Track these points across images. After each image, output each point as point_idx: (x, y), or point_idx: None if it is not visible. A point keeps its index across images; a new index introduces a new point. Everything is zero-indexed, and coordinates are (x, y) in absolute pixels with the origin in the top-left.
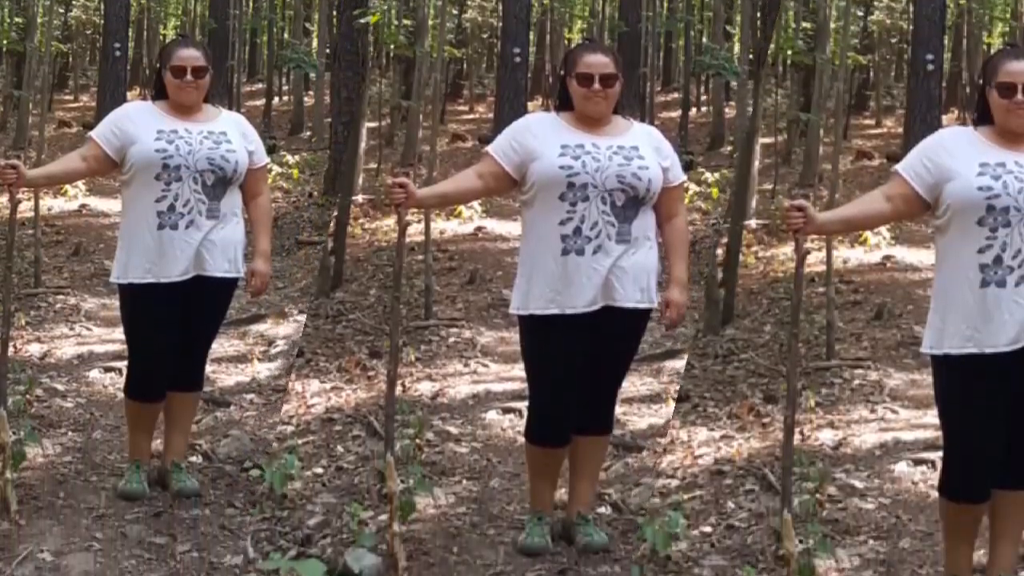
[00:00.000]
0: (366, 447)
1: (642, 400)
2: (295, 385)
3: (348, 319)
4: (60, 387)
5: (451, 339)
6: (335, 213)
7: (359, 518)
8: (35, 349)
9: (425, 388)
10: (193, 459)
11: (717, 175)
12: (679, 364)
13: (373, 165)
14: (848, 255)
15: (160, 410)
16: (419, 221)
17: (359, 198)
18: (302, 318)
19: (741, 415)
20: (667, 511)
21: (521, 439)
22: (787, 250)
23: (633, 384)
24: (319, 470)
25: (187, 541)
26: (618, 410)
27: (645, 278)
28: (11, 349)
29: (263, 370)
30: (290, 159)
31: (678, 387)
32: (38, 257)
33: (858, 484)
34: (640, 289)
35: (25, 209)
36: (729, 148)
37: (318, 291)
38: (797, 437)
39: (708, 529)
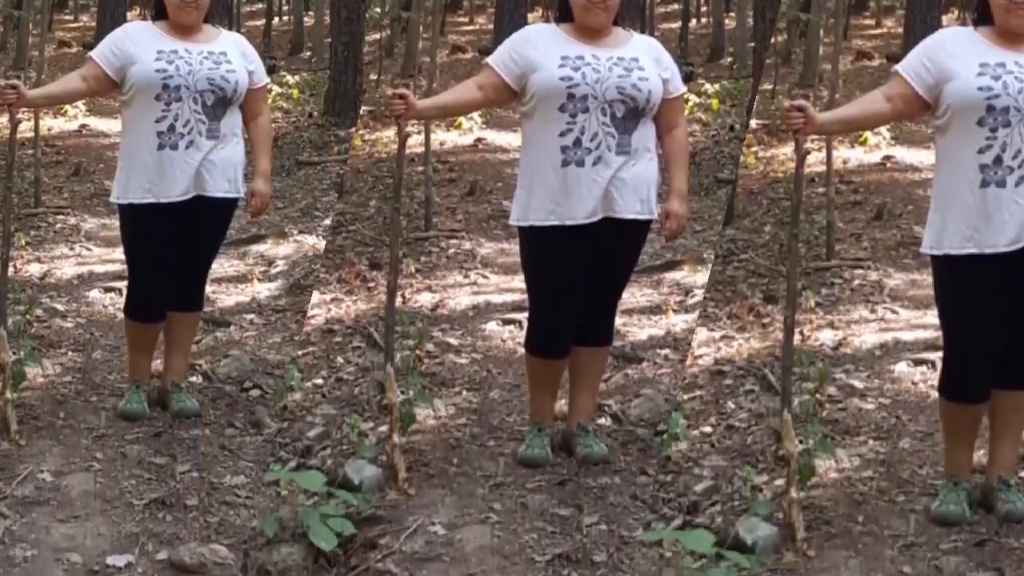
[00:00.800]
0: (366, 358)
1: (642, 311)
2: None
3: (348, 230)
4: (60, 307)
5: (451, 250)
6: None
7: (359, 429)
8: (35, 269)
9: (425, 299)
10: (193, 379)
11: (717, 86)
12: (679, 275)
13: (373, 77)
14: (848, 155)
15: (160, 330)
16: (419, 132)
17: (359, 109)
18: (302, 238)
19: (741, 315)
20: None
21: (521, 350)
22: (787, 150)
23: (633, 295)
24: (319, 381)
25: (187, 461)
26: (618, 321)
27: (645, 189)
28: (11, 269)
29: (263, 290)
30: (290, 79)
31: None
32: (38, 177)
33: (858, 384)
34: (640, 200)
35: (25, 129)
36: (729, 59)
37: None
38: (797, 337)
39: (708, 429)
